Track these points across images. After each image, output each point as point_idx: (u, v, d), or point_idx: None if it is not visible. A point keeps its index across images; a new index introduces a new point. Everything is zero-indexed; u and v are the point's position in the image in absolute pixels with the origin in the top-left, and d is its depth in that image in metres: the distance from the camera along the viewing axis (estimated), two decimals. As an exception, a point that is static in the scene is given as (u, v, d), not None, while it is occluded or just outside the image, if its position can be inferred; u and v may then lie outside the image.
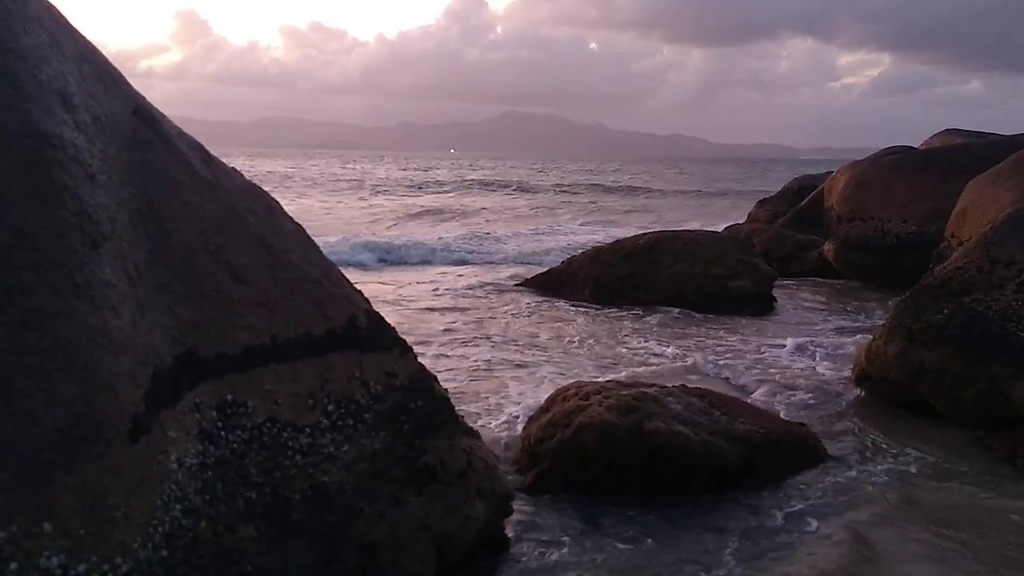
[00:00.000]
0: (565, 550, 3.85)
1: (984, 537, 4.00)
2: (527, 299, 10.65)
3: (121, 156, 2.84)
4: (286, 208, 3.49)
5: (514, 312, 9.78)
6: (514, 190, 41.84)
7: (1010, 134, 12.83)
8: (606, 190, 43.89)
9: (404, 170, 65.73)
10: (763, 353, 7.91)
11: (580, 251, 12.40)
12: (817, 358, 7.71)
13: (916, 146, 14.41)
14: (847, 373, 6.94)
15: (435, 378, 3.59)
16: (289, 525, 2.79)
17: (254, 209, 3.22)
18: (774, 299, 10.53)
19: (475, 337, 8.35)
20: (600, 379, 6.05)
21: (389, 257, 15.28)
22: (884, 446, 5.38)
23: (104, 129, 2.79)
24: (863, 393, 6.44)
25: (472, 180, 48.49)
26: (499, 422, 5.57)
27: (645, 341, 8.35)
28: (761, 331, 8.97)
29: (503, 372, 7.02)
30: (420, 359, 3.58)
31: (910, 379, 5.86)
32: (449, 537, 3.22)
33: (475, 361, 7.36)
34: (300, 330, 3.08)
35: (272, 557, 2.70)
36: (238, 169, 3.46)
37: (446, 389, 3.67)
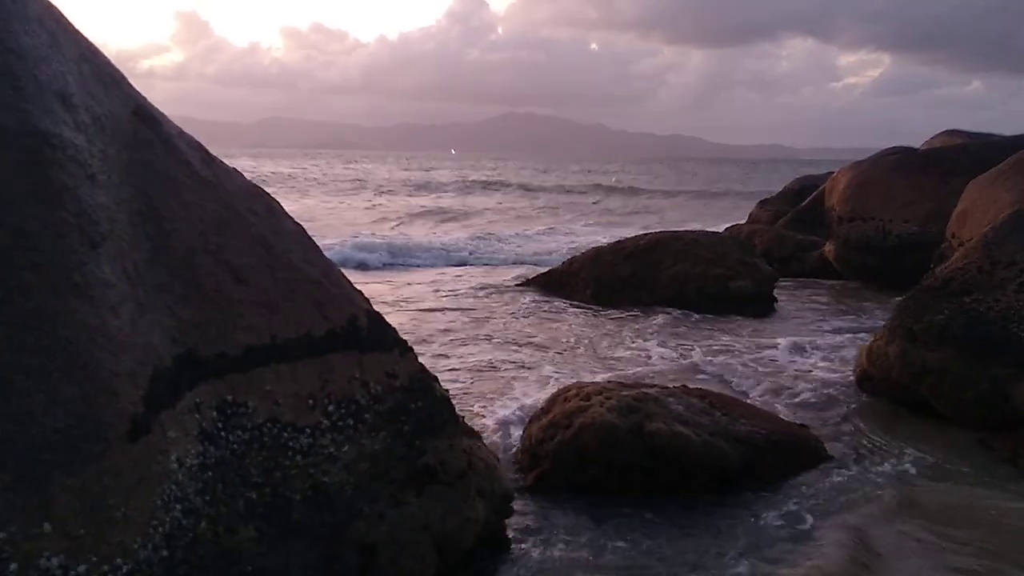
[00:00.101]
0: (565, 551, 3.85)
1: (985, 538, 4.00)
2: (528, 299, 10.65)
3: (121, 156, 2.84)
4: (289, 208, 3.49)
5: (515, 312, 9.78)
6: (516, 191, 41.84)
7: (1011, 135, 12.82)
8: (607, 190, 43.89)
9: (406, 170, 65.78)
10: (764, 354, 7.90)
11: (582, 252, 12.40)
12: (818, 359, 7.70)
13: (917, 147, 14.40)
14: (848, 374, 6.94)
15: (435, 378, 3.59)
16: (289, 525, 2.79)
17: (254, 209, 3.22)
18: (775, 300, 10.53)
19: (476, 337, 8.35)
20: (601, 379, 6.04)
21: (391, 258, 15.30)
22: (885, 447, 5.37)
23: (104, 129, 2.79)
24: (864, 394, 6.43)
25: (474, 181, 48.50)
26: (500, 423, 5.57)
27: (646, 341, 8.34)
28: (762, 332, 8.96)
29: (504, 372, 7.02)
30: (421, 359, 3.57)
31: (911, 380, 5.85)
32: (449, 538, 3.21)
33: (476, 361, 7.35)
34: (300, 330, 3.08)
35: (272, 557, 2.70)
36: (241, 170, 3.46)
37: (447, 389, 3.67)
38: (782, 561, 3.76)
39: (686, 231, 11.63)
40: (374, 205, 30.75)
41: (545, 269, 12.29)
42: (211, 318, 2.87)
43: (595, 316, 9.68)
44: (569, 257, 12.13)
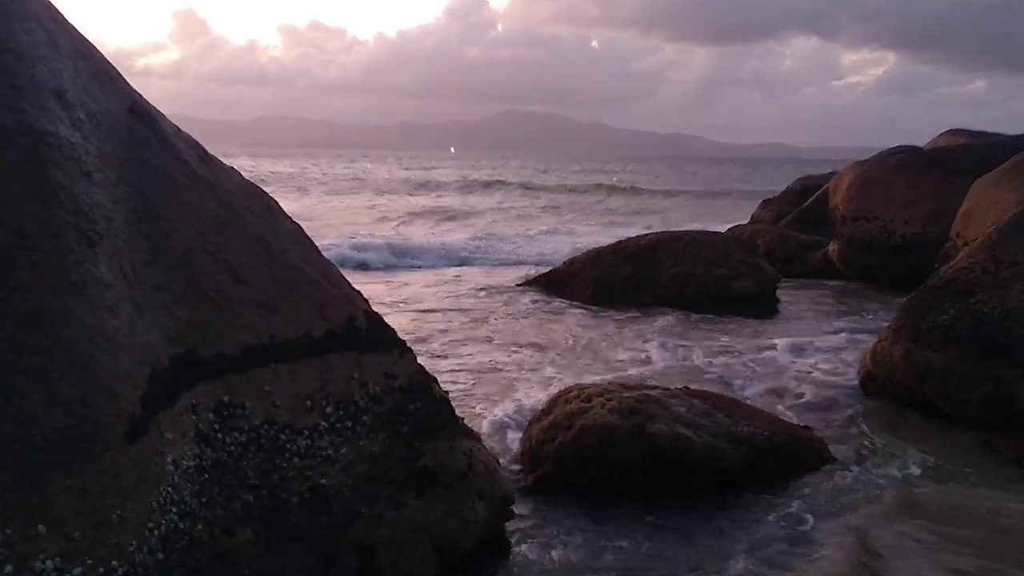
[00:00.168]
0: (566, 552, 3.83)
1: (989, 539, 3.97)
2: (529, 300, 10.62)
3: (117, 154, 2.82)
4: (288, 208, 3.46)
5: (515, 313, 9.75)
6: (516, 190, 41.83)
7: (1014, 134, 12.79)
8: (608, 190, 43.88)
9: (408, 169, 65.81)
10: (766, 355, 7.87)
11: (582, 252, 12.38)
12: (821, 360, 7.67)
13: (920, 145, 14.37)
14: (852, 374, 6.91)
15: (435, 379, 3.56)
16: (287, 528, 2.76)
17: (252, 208, 3.20)
18: (777, 300, 10.49)
19: (475, 338, 8.33)
20: (602, 380, 6.02)
21: (391, 258, 15.27)
22: (889, 448, 5.34)
23: (100, 126, 2.76)
24: (868, 395, 6.40)
25: (474, 180, 48.50)
26: (500, 424, 5.54)
27: (646, 342, 8.31)
28: (764, 332, 8.93)
29: (504, 373, 7.00)
30: (420, 360, 3.55)
31: (916, 380, 5.82)
32: (449, 539, 3.19)
33: (476, 362, 7.33)
34: (299, 331, 3.06)
35: (269, 560, 2.68)
36: (239, 169, 3.44)
37: (446, 390, 3.65)
38: (784, 563, 3.74)
39: (687, 231, 11.59)
40: (374, 205, 30.74)
41: (546, 269, 12.27)
42: (210, 318, 2.85)
43: (596, 317, 9.65)
44: (570, 257, 12.11)
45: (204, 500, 2.58)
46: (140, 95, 3.14)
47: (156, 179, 2.92)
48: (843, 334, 8.82)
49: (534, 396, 6.08)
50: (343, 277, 3.44)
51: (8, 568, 2.01)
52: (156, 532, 2.36)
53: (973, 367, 5.48)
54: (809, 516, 4.28)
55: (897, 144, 13.66)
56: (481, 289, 11.52)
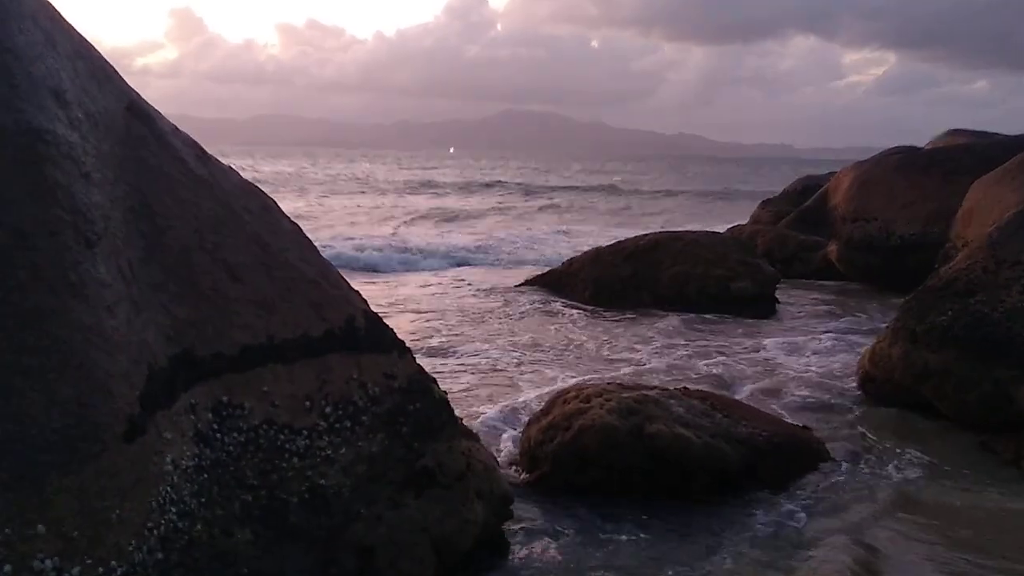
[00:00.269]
0: (565, 553, 3.82)
1: (987, 540, 3.98)
2: (528, 300, 10.63)
3: (115, 153, 2.82)
4: (287, 208, 3.46)
5: (515, 313, 9.75)
6: (517, 191, 41.85)
7: (1014, 134, 12.79)
8: (609, 190, 43.91)
9: (408, 169, 65.83)
10: (765, 355, 7.88)
11: (582, 252, 12.38)
12: (819, 360, 7.68)
13: (920, 146, 14.37)
14: (850, 375, 6.91)
15: (434, 380, 3.56)
16: (286, 528, 2.76)
17: (250, 207, 3.19)
18: (777, 300, 10.49)
19: (475, 338, 8.33)
20: (601, 381, 6.01)
21: (390, 258, 15.27)
22: (887, 449, 5.34)
23: (98, 126, 2.76)
24: (867, 396, 6.40)
25: (474, 180, 48.53)
26: (499, 424, 5.54)
27: (646, 343, 8.31)
28: (763, 333, 8.93)
29: (503, 374, 7.00)
30: (419, 360, 3.55)
31: (914, 381, 5.82)
32: (448, 540, 3.19)
33: (475, 362, 7.33)
34: (298, 331, 3.05)
35: (268, 560, 2.67)
36: (237, 169, 3.43)
37: (445, 391, 3.64)
38: (783, 563, 3.74)
39: (686, 231, 11.60)
40: (374, 205, 30.74)
41: (545, 270, 12.27)
42: (207, 317, 2.84)
43: (595, 317, 9.65)
44: (569, 258, 12.11)
45: (203, 500, 2.57)
46: (138, 94, 3.13)
47: (154, 178, 2.92)
48: (842, 335, 8.82)
49: (533, 396, 6.09)
50: (342, 277, 3.43)
51: (7, 567, 2.01)
52: (155, 532, 2.36)
53: (971, 368, 5.47)
54: (808, 516, 4.28)
55: (897, 144, 13.67)
56: (480, 289, 11.53)
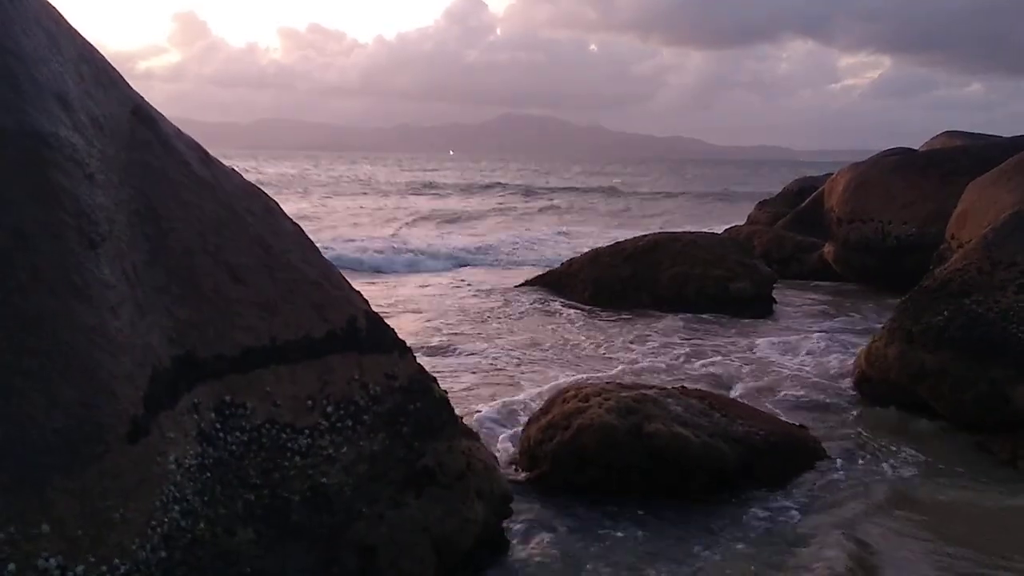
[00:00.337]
0: (564, 551, 3.84)
1: (983, 539, 4.00)
2: (528, 300, 10.65)
3: (119, 156, 2.84)
4: (289, 210, 3.48)
5: (515, 314, 9.78)
6: (517, 192, 41.87)
7: (1010, 136, 12.82)
8: (608, 192, 43.94)
9: (409, 171, 65.81)
10: (762, 354, 7.91)
11: (582, 253, 12.40)
12: (816, 360, 7.70)
13: (916, 148, 14.39)
14: (846, 375, 6.94)
15: (434, 380, 3.58)
16: (288, 527, 2.78)
17: (252, 210, 3.22)
18: (774, 301, 10.52)
19: (475, 338, 8.35)
20: (600, 380, 6.04)
21: (391, 260, 15.30)
22: (883, 448, 5.37)
23: (102, 129, 2.78)
24: (863, 395, 6.43)
25: (475, 183, 48.55)
26: (499, 423, 5.57)
27: (644, 343, 8.34)
28: (761, 333, 8.96)
29: (503, 373, 7.02)
30: (420, 360, 3.57)
31: (910, 381, 5.84)
32: (448, 539, 3.21)
33: (475, 362, 7.36)
34: (300, 332, 3.07)
35: (271, 559, 2.69)
36: (241, 171, 3.46)
37: (446, 390, 3.67)
38: (780, 562, 3.76)
39: (685, 232, 11.63)
40: (376, 206, 30.77)
41: (545, 270, 12.29)
42: (209, 319, 2.86)
43: (594, 317, 9.68)
44: (569, 258, 12.14)
45: (206, 499, 2.59)
46: (142, 98, 3.16)
47: (157, 181, 2.94)
48: (838, 335, 8.85)
49: (532, 396, 6.11)
50: (343, 278, 3.45)
51: (11, 566, 2.02)
52: (159, 531, 2.38)
53: (967, 368, 5.50)
54: (803, 513, 4.31)
55: (894, 147, 13.70)
56: (480, 290, 11.55)
